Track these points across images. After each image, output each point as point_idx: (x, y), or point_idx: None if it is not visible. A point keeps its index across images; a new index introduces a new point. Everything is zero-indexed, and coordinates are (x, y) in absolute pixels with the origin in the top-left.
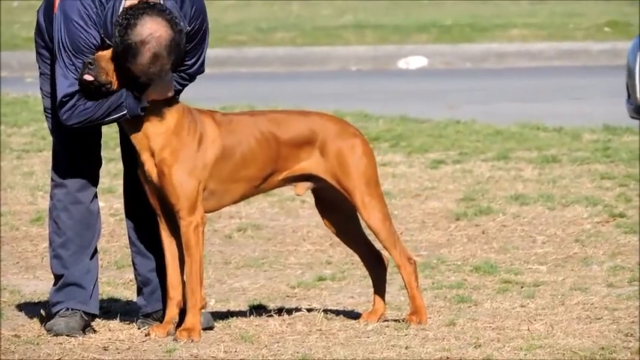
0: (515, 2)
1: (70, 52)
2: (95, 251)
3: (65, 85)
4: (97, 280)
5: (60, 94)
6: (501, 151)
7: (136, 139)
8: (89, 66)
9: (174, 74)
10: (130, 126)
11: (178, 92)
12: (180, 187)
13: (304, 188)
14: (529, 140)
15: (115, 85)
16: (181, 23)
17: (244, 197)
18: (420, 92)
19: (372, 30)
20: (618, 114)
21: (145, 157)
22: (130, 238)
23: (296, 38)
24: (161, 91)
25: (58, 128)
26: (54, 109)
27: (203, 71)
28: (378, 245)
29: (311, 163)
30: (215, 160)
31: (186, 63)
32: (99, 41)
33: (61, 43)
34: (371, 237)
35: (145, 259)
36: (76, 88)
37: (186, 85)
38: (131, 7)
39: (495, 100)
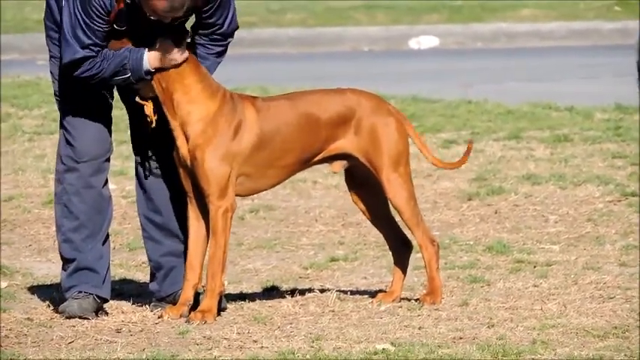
0: None
1: (80, 15)
2: (107, 237)
3: (70, 51)
4: (109, 265)
5: (64, 59)
6: (513, 131)
7: (174, 123)
8: None
9: (202, 41)
10: (169, 111)
11: (222, 53)
12: (212, 173)
13: (340, 165)
14: (541, 120)
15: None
16: None
17: (282, 181)
18: (431, 72)
19: (383, 10)
20: (630, 93)
21: (181, 141)
22: (141, 223)
23: (307, 19)
24: (164, 56)
25: (69, 114)
26: (70, 92)
27: (237, 27)
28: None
29: (346, 141)
30: (251, 147)
31: (217, 23)
32: (109, 6)
33: (70, 8)
34: (397, 218)
35: (156, 244)
36: (81, 54)
37: (226, 44)
38: None
39: (507, 80)
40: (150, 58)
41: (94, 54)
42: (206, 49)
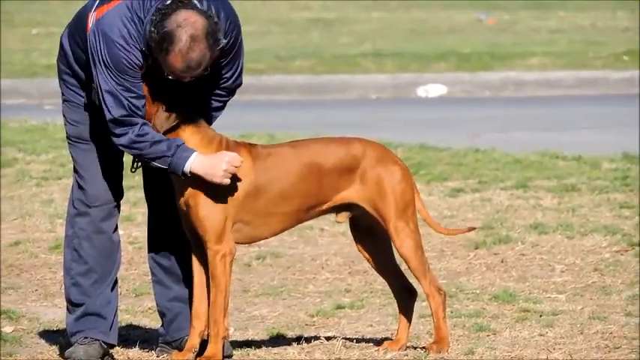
0: (535, 31)
1: (116, 72)
2: (115, 282)
3: (114, 107)
4: (117, 311)
5: (109, 116)
6: (520, 180)
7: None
8: None
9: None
10: None
11: (220, 109)
12: (206, 219)
13: (345, 216)
14: (548, 169)
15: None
16: (215, 18)
17: (284, 229)
18: (439, 120)
19: (391, 58)
20: (637, 143)
21: (177, 187)
22: (150, 267)
23: (315, 66)
24: (209, 168)
25: (81, 158)
26: (82, 136)
27: (241, 84)
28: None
29: (351, 191)
30: (246, 194)
31: (224, 76)
32: (141, 60)
33: (102, 63)
34: (402, 266)
35: (164, 288)
36: (126, 111)
37: (226, 100)
38: (164, 5)
39: (514, 129)
40: (194, 164)
41: (136, 112)
42: (205, 102)
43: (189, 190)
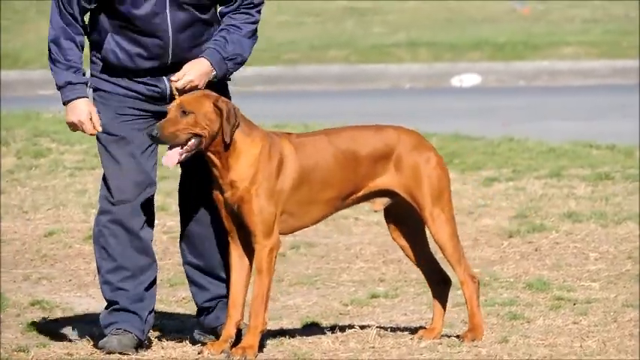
0: (569, 20)
1: None
2: (152, 282)
3: (50, 29)
4: (152, 310)
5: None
6: (554, 169)
7: (217, 167)
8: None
9: (233, 21)
10: (212, 156)
11: (253, 35)
12: (259, 213)
13: (381, 204)
14: (582, 158)
15: (207, 136)
16: None
17: (324, 217)
18: (473, 110)
19: (425, 48)
20: None
21: (225, 183)
22: (186, 272)
23: (349, 56)
24: (75, 115)
25: (108, 151)
26: (107, 129)
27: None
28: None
29: (386, 178)
30: (293, 184)
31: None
32: None
33: None
34: (436, 255)
35: (201, 290)
36: (55, 32)
37: (253, 21)
38: None
39: (548, 118)
40: (70, 105)
41: (72, 14)
42: (238, 29)
43: (244, 187)
